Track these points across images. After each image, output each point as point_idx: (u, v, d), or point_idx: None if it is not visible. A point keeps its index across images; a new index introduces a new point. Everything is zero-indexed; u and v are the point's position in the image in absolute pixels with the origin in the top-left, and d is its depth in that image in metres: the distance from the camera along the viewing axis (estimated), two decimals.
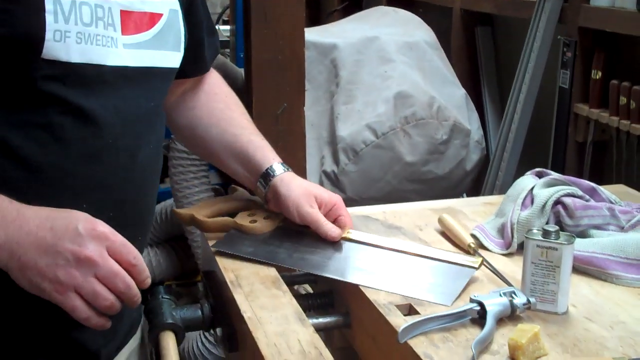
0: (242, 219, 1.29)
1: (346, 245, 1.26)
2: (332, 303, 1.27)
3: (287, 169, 1.27)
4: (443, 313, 1.04)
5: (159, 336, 1.14)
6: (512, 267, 1.22)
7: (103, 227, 0.93)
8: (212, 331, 1.23)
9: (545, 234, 1.07)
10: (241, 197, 1.38)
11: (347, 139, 2.29)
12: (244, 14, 2.18)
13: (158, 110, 1.15)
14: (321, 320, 1.19)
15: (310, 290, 1.44)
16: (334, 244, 1.26)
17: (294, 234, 1.28)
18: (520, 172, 2.49)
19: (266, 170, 1.26)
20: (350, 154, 2.29)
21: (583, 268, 1.20)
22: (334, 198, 1.27)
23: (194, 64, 1.27)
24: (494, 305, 1.04)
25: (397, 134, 2.29)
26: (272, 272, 1.22)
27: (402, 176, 2.34)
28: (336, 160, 2.32)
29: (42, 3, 0.93)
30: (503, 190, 2.38)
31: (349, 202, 2.33)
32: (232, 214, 1.32)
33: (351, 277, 1.18)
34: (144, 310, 1.19)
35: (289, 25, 2.08)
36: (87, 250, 0.90)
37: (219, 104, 1.31)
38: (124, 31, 1.03)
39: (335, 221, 1.26)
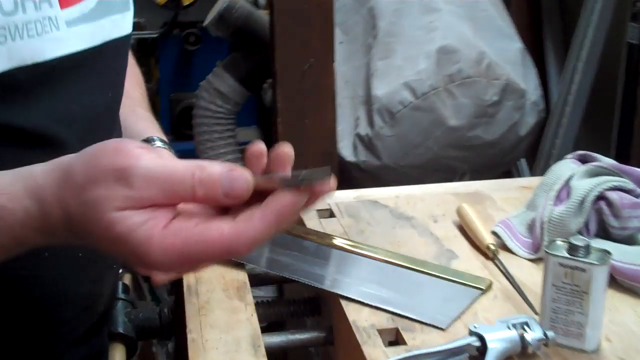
0: None
1: (332, 253, 1.04)
2: (319, 311, 1.06)
3: (168, 148, 0.92)
4: (433, 349, 0.81)
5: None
6: (540, 278, 0.97)
7: None
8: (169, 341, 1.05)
9: (572, 248, 0.82)
10: None
11: (382, 99, 2.04)
12: None
13: (118, 97, 0.87)
14: (298, 336, 0.98)
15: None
16: (315, 250, 1.04)
17: None
18: (580, 140, 2.21)
19: (144, 139, 0.91)
20: (385, 116, 2.05)
21: (629, 285, 0.95)
22: None
23: None
24: (499, 341, 0.80)
25: (439, 94, 2.03)
26: (241, 276, 1.01)
27: (445, 142, 2.08)
28: (371, 123, 2.08)
29: None
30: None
31: (385, 169, 2.10)
32: None
33: (330, 285, 0.96)
34: None
35: None
36: None
37: None
38: (63, 3, 0.74)
39: None
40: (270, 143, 1.68)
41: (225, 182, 0.56)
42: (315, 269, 1.00)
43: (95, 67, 0.79)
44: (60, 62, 0.73)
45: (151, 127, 0.95)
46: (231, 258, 0.61)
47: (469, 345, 0.81)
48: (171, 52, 3.10)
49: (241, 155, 2.32)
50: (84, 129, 0.76)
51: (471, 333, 0.82)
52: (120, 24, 0.82)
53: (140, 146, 0.58)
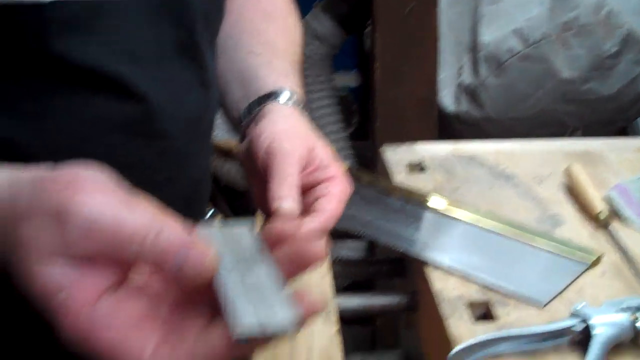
0: None
1: (420, 212, 0.94)
2: (404, 273, 0.96)
3: (299, 105, 0.76)
4: (528, 330, 0.71)
5: None
6: None
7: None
8: None
9: None
10: None
11: (489, 46, 1.90)
12: None
13: (198, 36, 0.73)
14: (377, 300, 0.89)
15: None
16: (401, 208, 0.94)
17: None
18: None
19: (268, 92, 0.76)
20: (492, 65, 1.90)
21: None
22: (334, 171, 0.70)
23: None
24: (606, 325, 0.69)
25: (552, 43, 1.87)
26: None
27: (556, 95, 1.93)
28: (476, 72, 1.95)
29: None
30: None
31: (488, 122, 1.96)
32: None
33: (414, 248, 0.86)
34: None
35: None
36: None
37: (255, 15, 0.87)
38: None
39: (310, 205, 0.68)
40: (368, 90, 1.56)
41: (179, 258, 0.44)
42: (399, 229, 0.90)
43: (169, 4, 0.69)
44: None
45: (284, 80, 0.78)
46: None
47: (570, 328, 0.70)
48: None
49: (337, 100, 2.23)
50: (149, 67, 0.67)
51: (574, 314, 0.71)
52: None
53: (100, 184, 0.46)
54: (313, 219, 0.64)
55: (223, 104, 0.80)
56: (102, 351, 0.43)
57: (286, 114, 0.73)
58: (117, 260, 0.45)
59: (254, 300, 0.43)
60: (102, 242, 0.44)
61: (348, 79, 2.68)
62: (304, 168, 0.67)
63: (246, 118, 0.75)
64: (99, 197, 0.45)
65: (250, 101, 0.76)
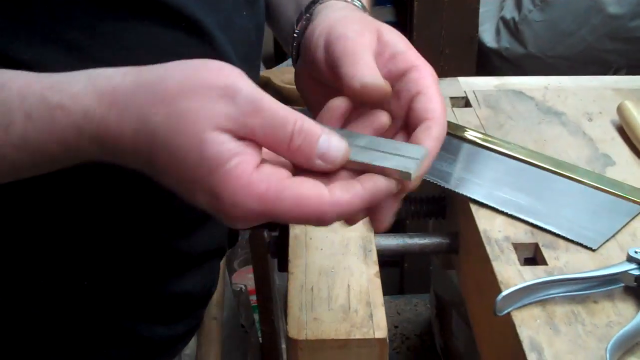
0: None
1: (464, 148, 0.89)
2: (444, 213, 0.92)
3: (360, 4, 0.66)
4: (580, 275, 0.67)
5: None
6: None
7: None
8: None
9: None
10: None
11: None
12: None
13: None
14: (417, 240, 0.85)
15: None
16: (444, 144, 0.89)
17: None
18: None
19: None
20: None
21: None
22: (414, 57, 0.58)
23: None
24: None
25: None
26: None
27: (602, 32, 1.85)
28: (519, 6, 1.87)
29: None
30: None
31: (530, 59, 1.90)
32: None
33: (458, 185, 0.82)
34: None
35: None
36: None
37: None
38: None
39: (405, 107, 0.58)
40: (405, 23, 1.49)
41: (323, 143, 0.48)
42: (443, 165, 0.86)
43: None
44: None
45: None
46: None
47: (626, 273, 0.66)
48: None
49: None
50: None
51: (630, 259, 0.67)
52: None
53: (244, 75, 0.49)
54: (430, 130, 0.57)
55: (279, 29, 0.75)
56: (285, 204, 0.46)
57: (340, 6, 0.64)
58: (266, 141, 0.48)
59: (394, 150, 0.51)
60: (264, 120, 0.47)
61: (383, 13, 2.60)
62: (380, 53, 0.57)
63: (304, 19, 0.67)
64: (251, 84, 0.48)
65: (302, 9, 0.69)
